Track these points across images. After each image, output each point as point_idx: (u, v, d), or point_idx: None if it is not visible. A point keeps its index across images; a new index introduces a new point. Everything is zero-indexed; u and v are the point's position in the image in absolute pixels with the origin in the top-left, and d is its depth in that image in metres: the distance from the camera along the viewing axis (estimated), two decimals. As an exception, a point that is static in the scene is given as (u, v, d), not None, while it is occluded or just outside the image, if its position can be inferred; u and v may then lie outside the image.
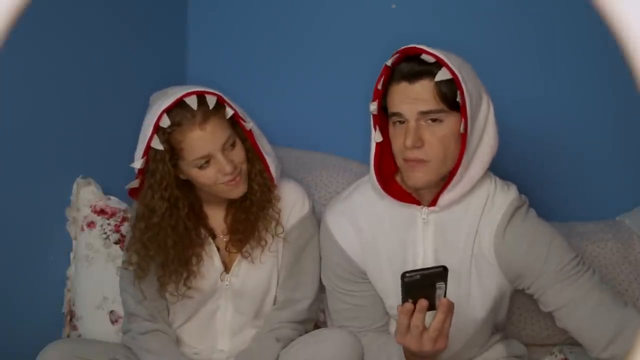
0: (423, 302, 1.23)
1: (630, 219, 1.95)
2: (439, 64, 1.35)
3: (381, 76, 1.41)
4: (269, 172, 1.57)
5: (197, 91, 1.46)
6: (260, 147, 1.55)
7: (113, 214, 1.81)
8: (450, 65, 1.35)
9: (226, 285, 1.60)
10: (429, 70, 1.36)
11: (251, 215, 1.57)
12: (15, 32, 1.12)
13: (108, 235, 1.79)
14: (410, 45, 1.38)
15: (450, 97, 1.36)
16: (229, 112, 1.49)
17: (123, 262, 1.61)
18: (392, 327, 1.56)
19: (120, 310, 1.72)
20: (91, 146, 1.84)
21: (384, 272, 1.51)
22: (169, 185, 1.48)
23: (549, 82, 2.05)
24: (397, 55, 1.40)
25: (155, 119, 1.44)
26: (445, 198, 1.44)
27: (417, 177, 1.41)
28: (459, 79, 1.34)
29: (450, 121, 1.38)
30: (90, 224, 1.80)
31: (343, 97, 2.12)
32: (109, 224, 1.80)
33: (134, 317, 1.61)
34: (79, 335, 1.76)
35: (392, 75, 1.41)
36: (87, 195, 1.81)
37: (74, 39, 1.76)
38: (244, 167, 1.53)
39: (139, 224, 1.53)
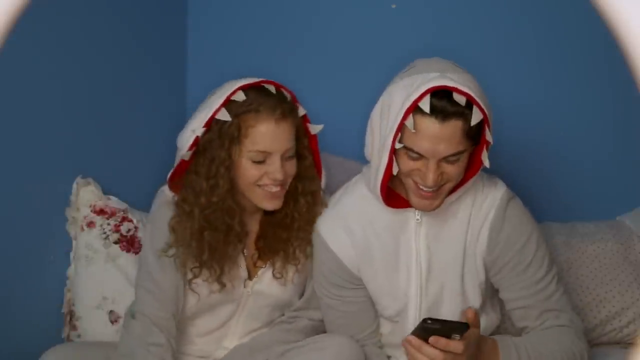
0: (442, 341, 1.21)
1: (630, 219, 1.95)
2: (470, 103, 1.31)
3: (408, 112, 1.31)
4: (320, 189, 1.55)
5: (276, 83, 1.47)
6: (322, 162, 1.55)
7: (113, 214, 1.81)
8: (479, 102, 1.31)
9: (248, 292, 1.57)
10: (461, 111, 1.31)
11: (290, 233, 1.53)
12: (15, 33, 1.12)
13: (108, 235, 1.79)
14: (441, 85, 1.30)
15: (475, 134, 1.35)
16: (302, 111, 1.49)
17: (165, 245, 1.49)
18: (383, 328, 1.57)
19: (119, 310, 1.72)
20: (91, 146, 1.83)
21: (377, 273, 1.51)
22: (233, 163, 1.43)
23: (549, 83, 2.05)
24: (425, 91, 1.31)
25: (230, 92, 1.41)
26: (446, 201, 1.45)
27: (426, 205, 1.41)
28: (487, 116, 1.33)
29: (467, 153, 1.38)
30: (90, 224, 1.80)
31: (343, 97, 2.12)
32: (108, 224, 1.80)
33: (145, 318, 1.51)
34: (79, 335, 1.76)
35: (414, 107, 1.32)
36: (87, 195, 1.81)
37: (74, 40, 1.76)
38: (290, 182, 1.50)
39: (197, 200, 1.44)
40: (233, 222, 1.48)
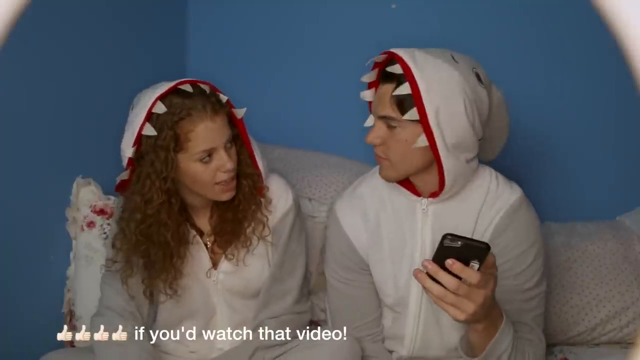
0: (458, 265, 1.13)
1: (630, 219, 1.95)
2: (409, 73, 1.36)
3: (375, 68, 1.45)
4: (258, 170, 1.55)
5: (189, 80, 1.46)
6: (251, 143, 1.55)
7: (113, 214, 1.80)
8: (417, 78, 1.34)
9: (213, 281, 1.58)
10: (395, 76, 1.38)
11: (238, 215, 1.55)
12: (15, 33, 1.12)
13: (108, 235, 1.78)
14: (391, 50, 1.40)
15: (409, 108, 1.36)
16: (224, 98, 1.48)
17: (107, 260, 1.56)
18: (385, 320, 1.58)
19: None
20: (91, 146, 1.84)
21: (384, 259, 1.52)
22: (169, 175, 1.44)
23: (549, 82, 2.05)
24: (387, 55, 1.42)
25: (149, 105, 1.42)
26: (445, 192, 1.45)
27: (381, 171, 1.46)
28: (420, 95, 1.34)
29: (408, 130, 1.38)
30: (90, 224, 1.80)
31: (343, 97, 2.10)
32: (108, 224, 1.80)
33: (109, 311, 1.54)
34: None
35: None
36: (87, 195, 1.81)
37: (73, 39, 1.76)
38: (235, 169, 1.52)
39: (133, 215, 1.48)
40: (167, 236, 1.49)
